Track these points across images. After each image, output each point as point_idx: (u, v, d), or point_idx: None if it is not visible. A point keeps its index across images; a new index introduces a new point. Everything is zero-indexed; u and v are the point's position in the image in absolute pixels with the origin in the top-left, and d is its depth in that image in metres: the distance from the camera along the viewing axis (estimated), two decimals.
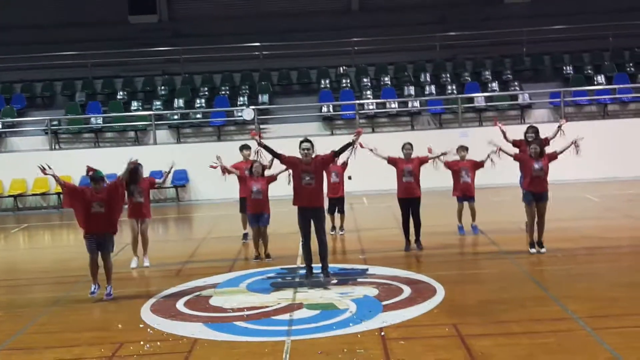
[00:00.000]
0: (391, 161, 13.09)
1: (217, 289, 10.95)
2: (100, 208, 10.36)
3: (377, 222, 16.37)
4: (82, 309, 10.30)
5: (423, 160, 13.14)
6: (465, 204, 14.17)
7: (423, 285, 10.54)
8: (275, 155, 11.17)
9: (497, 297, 9.75)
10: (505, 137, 13.57)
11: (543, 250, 12.29)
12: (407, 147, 13.13)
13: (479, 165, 14.00)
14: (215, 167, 13.30)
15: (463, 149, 14.23)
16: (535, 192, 12.15)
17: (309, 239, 10.98)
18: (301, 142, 10.97)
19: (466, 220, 14.24)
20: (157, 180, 12.94)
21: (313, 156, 10.90)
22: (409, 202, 12.96)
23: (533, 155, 12.20)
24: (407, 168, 12.89)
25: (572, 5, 26.60)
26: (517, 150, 13.13)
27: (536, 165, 12.13)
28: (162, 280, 11.82)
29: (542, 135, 13.29)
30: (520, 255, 12.27)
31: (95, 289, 10.61)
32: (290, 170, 11.13)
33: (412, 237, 13.07)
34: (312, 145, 10.91)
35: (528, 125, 13.87)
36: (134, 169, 12.11)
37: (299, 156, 10.96)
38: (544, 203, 12.20)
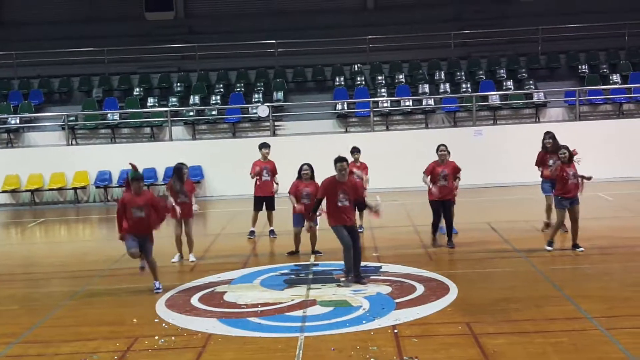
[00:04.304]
0: (428, 172, 12.92)
1: (232, 285, 11.04)
2: (141, 213, 10.56)
3: (391, 220, 16.38)
4: (98, 303, 10.42)
5: (457, 170, 13.00)
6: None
7: (436, 284, 10.57)
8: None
9: (510, 296, 9.77)
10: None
11: (580, 249, 12.26)
12: (442, 148, 12.98)
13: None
14: None
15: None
16: (569, 197, 12.17)
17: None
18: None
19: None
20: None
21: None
22: (442, 204, 12.92)
23: (563, 161, 12.17)
24: (443, 172, 12.79)
25: (588, 4, 26.46)
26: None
27: (570, 172, 12.13)
28: (177, 276, 11.93)
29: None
30: (533, 253, 12.26)
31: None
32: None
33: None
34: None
35: (545, 131, 13.87)
36: (178, 170, 12.66)
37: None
38: (577, 207, 12.20)
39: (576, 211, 12.22)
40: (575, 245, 12.30)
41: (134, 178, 10.64)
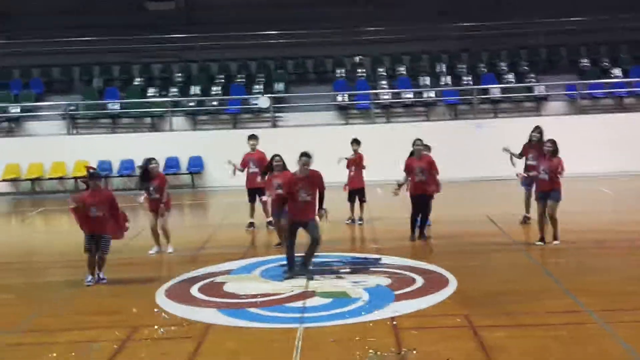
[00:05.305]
0: (406, 168, 12.99)
1: (231, 275, 11.05)
2: (98, 212, 10.56)
3: (390, 212, 16.38)
4: (98, 293, 10.42)
5: (432, 165, 12.92)
6: None
7: (435, 276, 10.58)
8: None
9: (509, 289, 9.77)
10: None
11: (538, 243, 12.33)
12: (417, 143, 12.99)
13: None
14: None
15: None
16: (539, 191, 12.29)
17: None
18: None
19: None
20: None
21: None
22: (421, 198, 12.96)
23: (546, 153, 12.19)
24: (420, 167, 12.81)
25: None
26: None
27: (541, 167, 12.25)
28: (177, 266, 11.92)
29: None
30: (532, 246, 12.28)
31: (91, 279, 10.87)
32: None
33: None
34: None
35: (535, 125, 13.96)
36: (144, 169, 12.50)
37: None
38: (551, 202, 12.17)
39: (551, 207, 12.18)
40: (554, 238, 12.27)
41: (90, 175, 10.71)
